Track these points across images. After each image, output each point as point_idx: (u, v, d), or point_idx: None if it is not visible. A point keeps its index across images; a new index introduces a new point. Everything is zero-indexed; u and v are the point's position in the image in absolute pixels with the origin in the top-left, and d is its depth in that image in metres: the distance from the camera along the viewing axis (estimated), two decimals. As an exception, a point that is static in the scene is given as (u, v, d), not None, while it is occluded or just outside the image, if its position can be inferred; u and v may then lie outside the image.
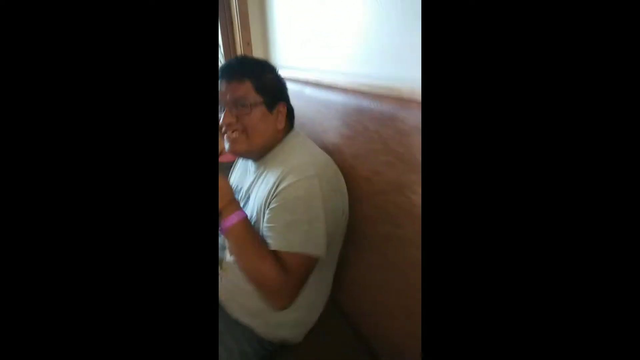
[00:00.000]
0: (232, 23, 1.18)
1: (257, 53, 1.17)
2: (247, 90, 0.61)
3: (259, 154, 0.67)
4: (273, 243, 0.56)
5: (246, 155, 0.68)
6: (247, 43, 1.15)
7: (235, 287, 0.67)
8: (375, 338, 0.70)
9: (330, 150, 0.71)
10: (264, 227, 0.58)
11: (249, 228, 0.57)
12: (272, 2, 1.07)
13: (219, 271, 0.70)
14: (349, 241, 0.71)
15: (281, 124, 0.65)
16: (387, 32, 0.62)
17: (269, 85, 0.63)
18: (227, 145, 0.65)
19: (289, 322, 0.68)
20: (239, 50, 1.18)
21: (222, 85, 0.62)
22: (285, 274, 0.55)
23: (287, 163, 0.60)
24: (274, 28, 1.09)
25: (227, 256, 0.68)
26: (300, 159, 0.60)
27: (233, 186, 0.77)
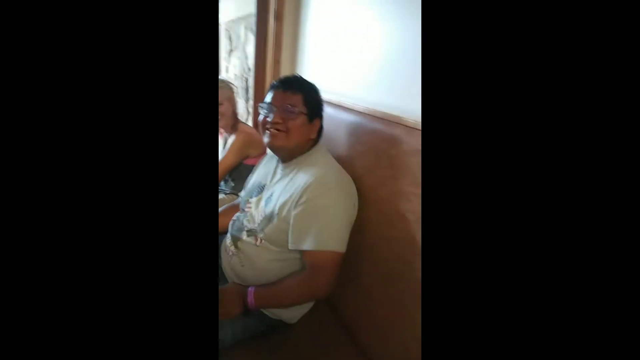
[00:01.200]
0: (265, 41, 1.33)
1: (284, 71, 1.32)
2: (298, 100, 0.76)
3: (290, 154, 0.80)
4: (312, 244, 0.69)
5: (280, 150, 0.80)
6: (277, 61, 1.30)
7: (243, 267, 0.79)
8: (360, 326, 0.80)
9: (344, 162, 0.84)
10: (298, 228, 0.71)
11: (263, 291, 0.74)
12: (305, 27, 1.23)
13: (233, 249, 0.82)
14: (352, 242, 0.83)
15: (314, 134, 0.79)
16: (405, 70, 0.77)
17: (314, 102, 0.78)
18: (267, 139, 0.79)
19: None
20: (268, 66, 1.32)
21: (277, 94, 0.77)
22: (316, 273, 0.71)
23: (312, 173, 0.73)
24: (304, 50, 1.25)
25: (245, 237, 0.80)
26: (324, 171, 0.74)
27: (254, 182, 0.89)
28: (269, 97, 0.79)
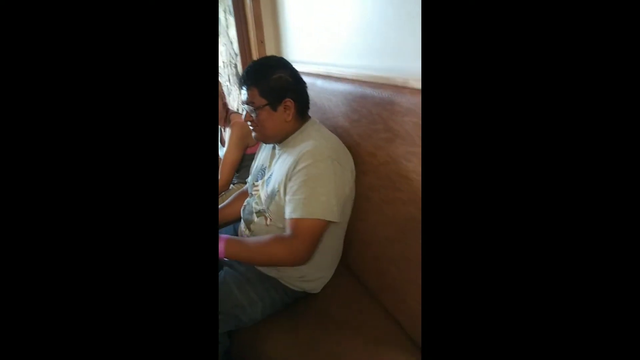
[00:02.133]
0: (246, 23, 1.30)
1: (270, 50, 1.30)
2: (253, 95, 0.77)
3: (276, 140, 0.83)
4: (296, 212, 0.71)
5: (265, 141, 0.85)
6: (261, 41, 1.27)
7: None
8: (379, 287, 0.84)
9: (340, 133, 0.85)
10: (287, 198, 0.73)
11: (236, 242, 0.74)
12: (283, 3, 1.19)
13: (247, 232, 0.85)
14: (355, 207, 0.85)
15: (289, 116, 0.79)
16: (385, 31, 0.75)
17: (274, 88, 0.77)
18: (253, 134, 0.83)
19: (309, 277, 0.83)
20: (253, 48, 1.30)
21: (242, 92, 0.79)
22: (297, 239, 0.71)
23: (304, 146, 0.75)
24: (286, 27, 1.22)
25: (255, 219, 0.83)
26: (315, 143, 0.75)
27: (257, 166, 0.91)
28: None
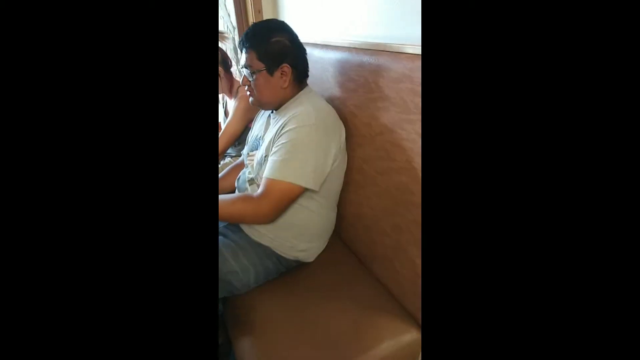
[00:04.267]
0: (243, -8, 1.26)
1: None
2: (251, 59, 0.75)
3: (272, 107, 0.82)
4: (270, 173, 0.72)
5: (261, 107, 0.84)
6: (258, 10, 1.24)
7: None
8: (370, 257, 0.85)
9: (337, 104, 0.84)
10: (268, 159, 0.74)
11: None
12: (281, -29, 1.16)
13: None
14: (348, 180, 0.85)
15: (285, 83, 0.77)
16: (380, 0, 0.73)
17: (271, 52, 0.75)
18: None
19: (301, 246, 0.84)
20: (251, 18, 1.27)
21: (241, 55, 0.78)
22: (265, 198, 0.72)
23: (292, 112, 0.74)
24: (283, -4, 1.19)
25: (248, 187, 0.83)
26: (303, 109, 0.74)
27: (253, 136, 0.91)
28: None
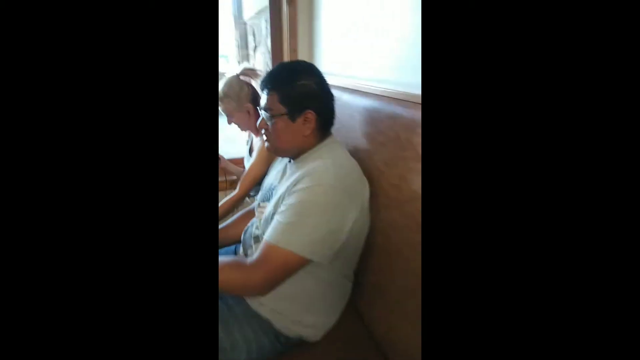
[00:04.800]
0: (281, 30, 1.24)
1: (302, 58, 1.22)
2: (272, 101, 0.67)
3: (289, 155, 0.72)
4: (270, 236, 0.60)
5: (276, 154, 0.74)
6: (294, 50, 1.20)
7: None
8: (389, 344, 0.69)
9: (362, 157, 0.72)
10: (274, 218, 0.62)
11: None
12: (319, 12, 1.11)
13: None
14: (373, 246, 0.72)
15: (308, 131, 0.68)
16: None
17: (296, 96, 0.67)
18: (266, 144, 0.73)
19: (306, 322, 0.70)
20: (285, 56, 1.24)
21: (262, 96, 0.70)
22: (259, 266, 0.60)
23: (310, 166, 0.63)
24: (320, 36, 1.14)
25: (254, 244, 0.73)
26: (322, 165, 0.63)
27: (267, 184, 0.81)
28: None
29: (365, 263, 0.75)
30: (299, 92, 0.67)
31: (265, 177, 0.88)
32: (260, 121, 0.70)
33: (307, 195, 0.59)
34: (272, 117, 0.67)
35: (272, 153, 0.75)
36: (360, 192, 0.66)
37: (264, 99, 0.69)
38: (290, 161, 0.75)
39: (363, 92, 0.77)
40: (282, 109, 0.66)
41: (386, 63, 0.77)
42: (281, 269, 0.61)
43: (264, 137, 0.72)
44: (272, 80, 0.68)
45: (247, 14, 1.96)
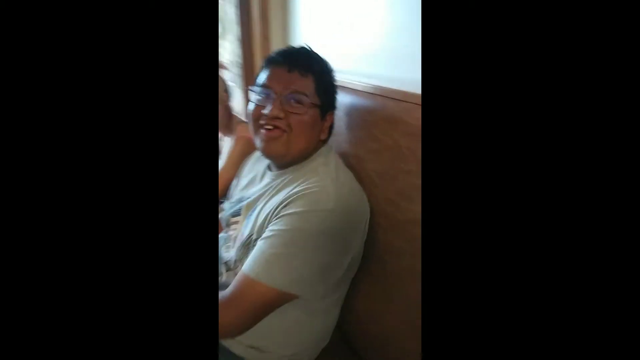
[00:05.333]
0: (249, 15, 1.09)
1: (275, 48, 1.08)
2: (308, 85, 0.52)
3: (289, 163, 0.57)
4: (251, 267, 0.48)
5: (278, 159, 0.57)
6: (265, 37, 1.06)
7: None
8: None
9: (353, 166, 0.61)
10: (258, 242, 0.50)
11: None
12: (295, -6, 0.98)
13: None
14: (366, 273, 0.61)
15: (325, 135, 0.57)
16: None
17: (328, 89, 0.55)
18: (259, 142, 0.55)
19: (287, 351, 0.59)
20: (256, 45, 1.09)
21: (277, 73, 0.53)
22: (234, 302, 0.48)
23: (303, 183, 0.51)
24: (296, 22, 1.00)
25: (224, 273, 0.60)
26: (319, 184, 0.50)
27: (237, 195, 0.68)
28: (264, 77, 0.54)
29: (356, 288, 0.64)
30: (331, 86, 0.56)
31: (235, 185, 0.75)
32: (275, 107, 0.51)
33: (299, 222, 0.47)
34: (306, 105, 0.52)
35: (267, 156, 0.58)
36: (363, 216, 0.55)
37: (289, 79, 0.52)
38: (270, 169, 0.62)
39: (351, 88, 0.65)
40: (317, 99, 0.53)
41: (379, 54, 0.66)
42: (260, 307, 0.49)
43: (265, 131, 0.53)
44: (306, 59, 0.53)
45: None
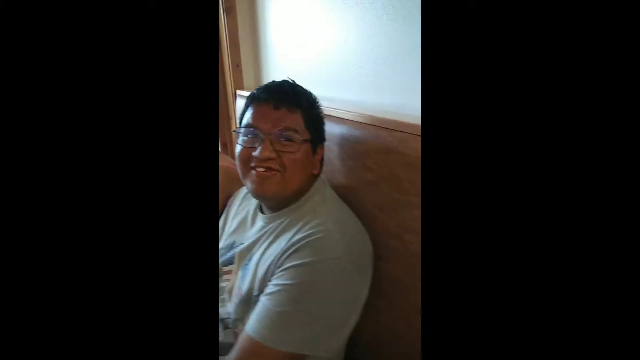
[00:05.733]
0: (219, 42, 1.06)
1: (247, 76, 1.05)
2: (296, 121, 0.50)
3: (283, 202, 0.53)
4: (255, 329, 0.44)
5: (272, 199, 0.53)
6: (237, 65, 1.03)
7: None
8: None
9: (348, 199, 0.59)
10: (261, 298, 0.46)
11: None
12: (265, 20, 0.96)
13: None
14: (369, 308, 0.58)
15: (317, 169, 0.54)
16: (401, 57, 0.52)
17: (316, 122, 0.53)
18: (251, 185, 0.51)
19: None
20: (228, 73, 1.06)
21: (262, 111, 0.50)
22: None
23: (306, 229, 0.47)
24: (267, 49, 0.99)
25: (222, 331, 0.55)
26: (322, 226, 0.47)
27: (230, 239, 0.63)
28: (249, 117, 0.51)
29: (359, 322, 0.61)
30: (318, 118, 0.54)
31: (222, 223, 0.70)
32: (265, 148, 0.48)
33: (306, 275, 0.44)
34: (297, 142, 0.49)
35: (260, 198, 0.54)
36: (369, 258, 0.52)
37: (277, 117, 0.49)
38: (261, 210, 0.58)
39: (338, 117, 0.64)
40: (307, 133, 0.51)
41: (362, 80, 0.65)
42: None
43: (257, 172, 0.49)
44: (292, 94, 0.51)
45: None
